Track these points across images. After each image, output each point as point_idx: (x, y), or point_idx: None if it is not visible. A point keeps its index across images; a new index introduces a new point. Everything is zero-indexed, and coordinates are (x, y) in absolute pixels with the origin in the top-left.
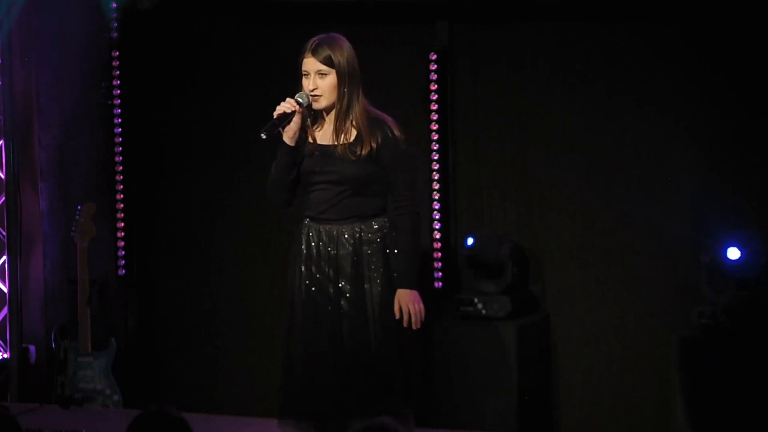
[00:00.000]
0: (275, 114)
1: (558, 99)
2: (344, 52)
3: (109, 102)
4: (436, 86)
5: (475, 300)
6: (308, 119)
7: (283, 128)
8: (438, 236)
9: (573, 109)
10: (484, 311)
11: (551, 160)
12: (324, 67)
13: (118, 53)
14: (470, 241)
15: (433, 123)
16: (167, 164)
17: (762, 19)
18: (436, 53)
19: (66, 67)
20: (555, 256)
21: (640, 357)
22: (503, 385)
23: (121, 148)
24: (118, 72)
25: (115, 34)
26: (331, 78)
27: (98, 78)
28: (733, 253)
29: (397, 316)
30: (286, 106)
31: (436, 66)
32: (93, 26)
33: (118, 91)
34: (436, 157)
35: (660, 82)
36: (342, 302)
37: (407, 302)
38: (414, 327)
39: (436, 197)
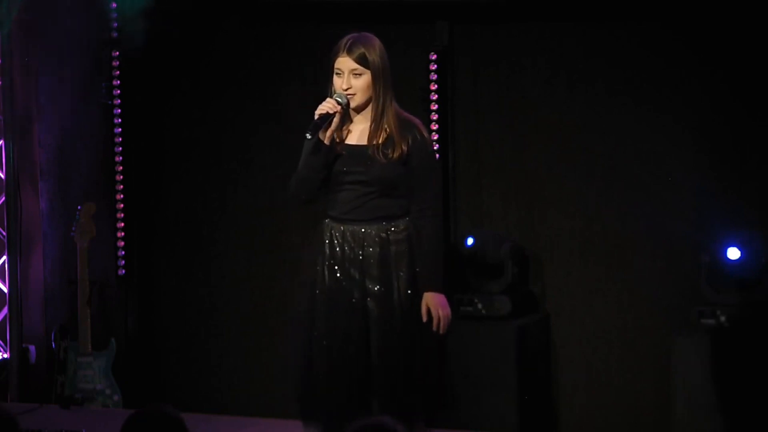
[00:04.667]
0: (317, 114)
1: (558, 99)
2: (377, 51)
3: (109, 102)
4: (436, 86)
5: (475, 300)
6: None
7: (325, 128)
8: None
9: (573, 109)
10: (484, 311)
11: (551, 160)
12: (358, 67)
13: (118, 53)
14: (470, 241)
15: (433, 123)
16: (167, 164)
17: (762, 20)
18: (436, 53)
19: (66, 68)
20: (555, 256)
21: (640, 357)
22: (503, 385)
23: (121, 148)
24: (118, 72)
25: (115, 34)
26: (366, 78)
27: (98, 78)
28: (733, 253)
29: (425, 318)
30: (328, 106)
31: (436, 66)
32: (93, 26)
33: (118, 91)
34: (436, 158)
35: (660, 83)
36: (370, 304)
37: (436, 306)
38: (441, 332)
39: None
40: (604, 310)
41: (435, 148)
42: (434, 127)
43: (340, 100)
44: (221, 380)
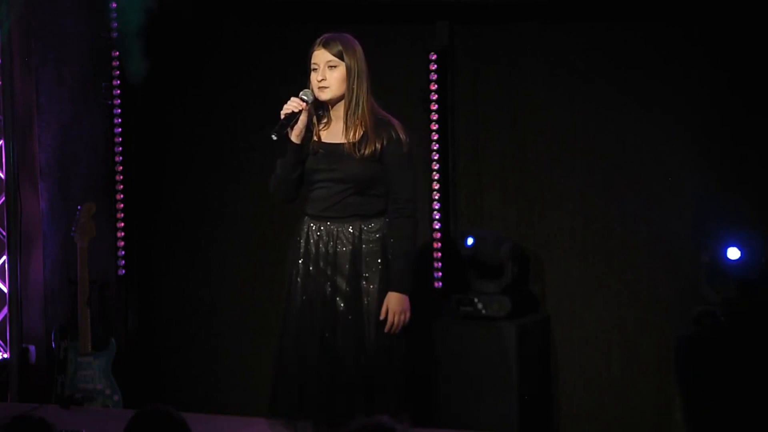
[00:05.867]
0: (282, 114)
1: (558, 99)
2: (356, 51)
3: (109, 102)
4: (436, 86)
5: (475, 300)
6: (314, 116)
7: (291, 127)
8: (438, 236)
9: (573, 109)
10: (484, 311)
11: (551, 160)
12: (333, 59)
13: (118, 53)
14: (470, 241)
15: (433, 123)
16: (167, 164)
17: (762, 19)
18: (436, 53)
19: (66, 68)
20: (555, 256)
21: (640, 357)
22: (503, 385)
23: (121, 148)
24: (118, 72)
25: (115, 34)
26: (340, 71)
27: (98, 78)
28: (733, 253)
29: (382, 317)
30: (293, 105)
31: (436, 66)
32: (93, 26)
33: (118, 91)
34: (436, 157)
35: (660, 82)
36: (338, 300)
37: (394, 308)
38: (391, 331)
39: (436, 197)
40: (604, 310)
41: (435, 147)
42: (434, 127)
43: (305, 97)
44: (221, 380)
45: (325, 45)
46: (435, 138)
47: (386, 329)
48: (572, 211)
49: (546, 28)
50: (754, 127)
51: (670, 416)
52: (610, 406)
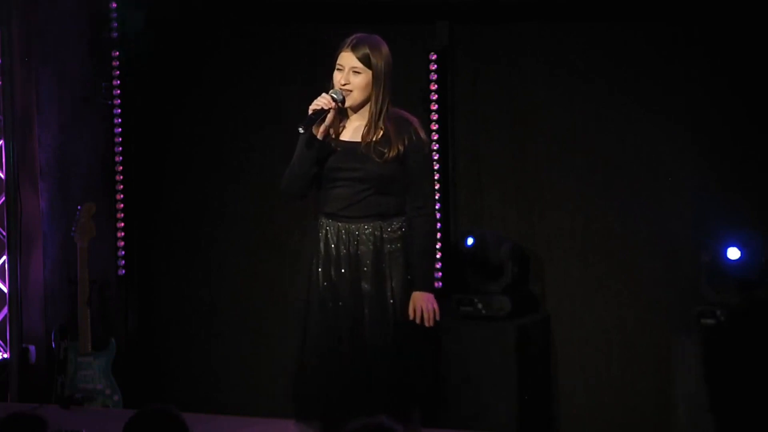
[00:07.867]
0: (311, 109)
1: (558, 99)
2: (382, 54)
3: (109, 102)
4: (436, 86)
5: (475, 300)
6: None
7: (318, 123)
8: (438, 236)
9: (573, 109)
10: (484, 311)
11: (551, 160)
12: (359, 65)
13: (118, 53)
14: (470, 240)
15: (433, 123)
16: (167, 164)
17: (763, 20)
18: (436, 53)
19: (66, 67)
20: (555, 256)
21: (640, 357)
22: (503, 385)
23: (121, 148)
24: (118, 72)
25: (115, 34)
26: (365, 77)
27: (98, 78)
28: (733, 253)
29: (411, 317)
30: (323, 102)
31: (436, 66)
32: (93, 26)
33: (118, 91)
34: (436, 157)
35: (660, 82)
36: (363, 303)
37: (424, 305)
38: (426, 324)
39: (437, 197)
40: (604, 310)
41: (434, 147)
42: (434, 127)
43: (335, 96)
44: (221, 380)
45: (354, 48)
46: (435, 138)
47: (417, 322)
48: (572, 211)
49: (546, 28)
50: (754, 127)
51: (670, 416)
52: (610, 406)
